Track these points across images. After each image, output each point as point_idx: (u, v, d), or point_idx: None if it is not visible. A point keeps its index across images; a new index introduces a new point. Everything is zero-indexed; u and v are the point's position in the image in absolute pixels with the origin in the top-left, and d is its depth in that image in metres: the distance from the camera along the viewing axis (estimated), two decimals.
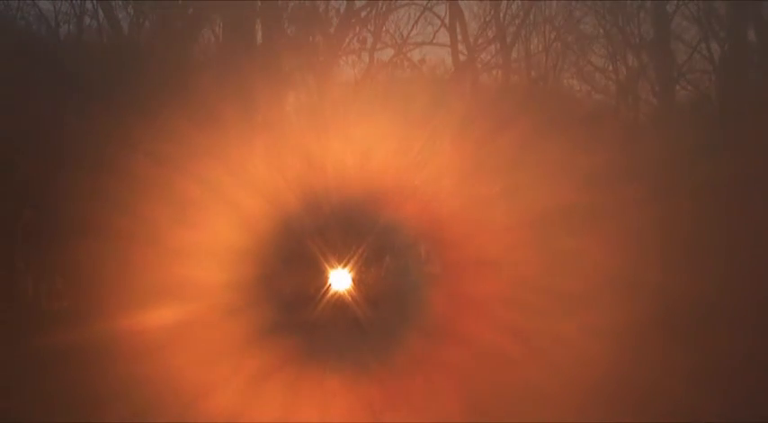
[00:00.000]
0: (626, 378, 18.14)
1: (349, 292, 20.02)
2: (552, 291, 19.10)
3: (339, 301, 19.87)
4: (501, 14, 24.53)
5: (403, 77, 24.69)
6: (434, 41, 24.39)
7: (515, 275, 19.43)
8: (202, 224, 19.05)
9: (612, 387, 17.82)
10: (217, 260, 18.16)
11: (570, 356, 18.04)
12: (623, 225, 19.96)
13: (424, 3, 24.31)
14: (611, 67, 25.52)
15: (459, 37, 23.93)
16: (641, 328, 19.02)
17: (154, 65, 21.97)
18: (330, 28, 22.80)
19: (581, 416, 18.10)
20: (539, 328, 18.51)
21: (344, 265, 20.08)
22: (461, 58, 23.93)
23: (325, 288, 19.74)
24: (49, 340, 19.25)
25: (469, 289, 19.02)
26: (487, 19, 24.86)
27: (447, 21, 24.21)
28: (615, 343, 18.21)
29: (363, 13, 23.38)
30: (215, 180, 19.13)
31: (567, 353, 18.16)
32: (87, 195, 22.76)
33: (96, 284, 20.49)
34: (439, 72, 25.11)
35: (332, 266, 19.91)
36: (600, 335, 18.13)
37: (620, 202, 20.65)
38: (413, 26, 24.29)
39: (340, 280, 20.00)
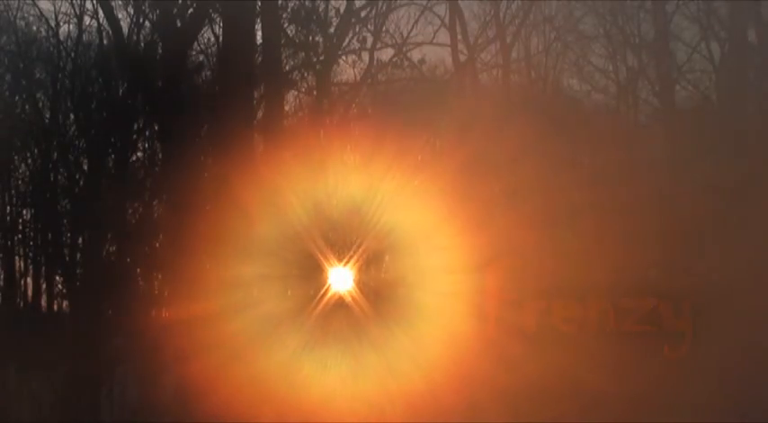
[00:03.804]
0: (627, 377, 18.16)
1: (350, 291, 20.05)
2: (549, 288, 19.11)
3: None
4: (501, 14, 24.50)
5: (403, 77, 24.68)
6: (434, 41, 24.39)
7: (514, 275, 19.45)
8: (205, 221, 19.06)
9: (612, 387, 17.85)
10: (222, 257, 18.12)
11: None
12: (623, 224, 19.96)
13: (424, 3, 24.33)
14: (611, 67, 25.52)
15: (460, 37, 23.89)
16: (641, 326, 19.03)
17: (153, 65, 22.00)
18: (330, 28, 22.79)
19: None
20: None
21: (345, 265, 20.10)
22: (461, 58, 23.89)
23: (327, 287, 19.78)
24: None
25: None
26: (487, 19, 24.88)
27: (447, 21, 24.21)
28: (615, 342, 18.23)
29: (363, 13, 23.39)
30: (217, 179, 19.12)
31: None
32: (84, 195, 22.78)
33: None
34: (439, 72, 25.11)
35: (331, 266, 19.91)
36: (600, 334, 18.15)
37: (620, 202, 20.66)
38: (413, 26, 24.31)
39: (342, 279, 20.02)
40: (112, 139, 23.61)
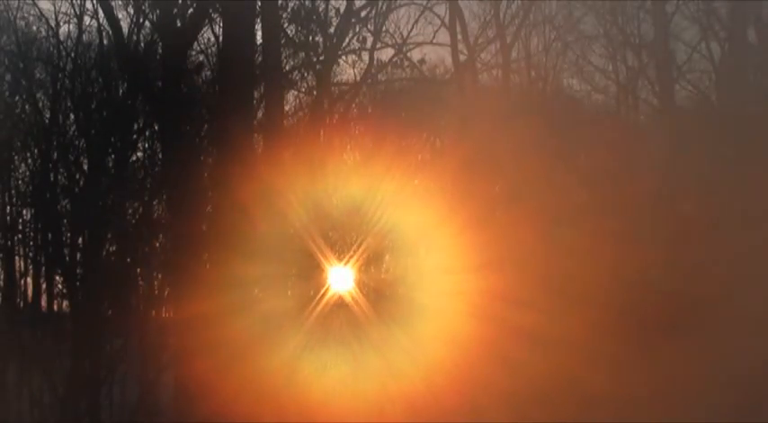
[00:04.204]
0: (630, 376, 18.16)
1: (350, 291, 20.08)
2: (545, 289, 19.11)
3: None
4: (501, 14, 24.47)
5: (403, 77, 24.66)
6: (434, 41, 24.34)
7: (515, 275, 19.46)
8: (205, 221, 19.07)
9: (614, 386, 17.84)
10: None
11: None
12: (623, 224, 19.96)
13: (424, 3, 24.29)
14: (611, 67, 25.53)
15: (459, 37, 23.86)
16: (642, 326, 19.03)
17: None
18: (330, 28, 22.77)
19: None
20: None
21: (345, 265, 20.13)
22: (461, 58, 23.87)
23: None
24: None
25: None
26: (487, 19, 24.84)
27: (447, 21, 24.18)
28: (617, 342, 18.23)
29: (363, 13, 23.35)
30: (217, 179, 19.11)
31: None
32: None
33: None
34: (439, 72, 25.10)
35: (331, 266, 19.92)
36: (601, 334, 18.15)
37: (621, 202, 20.65)
38: (413, 26, 24.26)
39: (342, 279, 20.05)
40: (112, 139, 23.60)
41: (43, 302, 24.66)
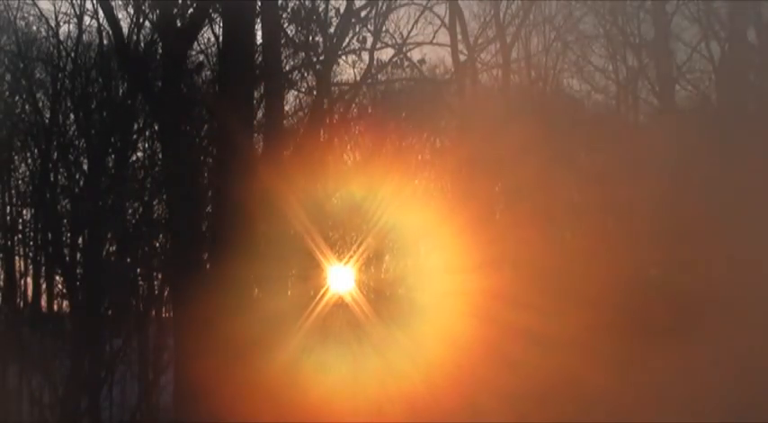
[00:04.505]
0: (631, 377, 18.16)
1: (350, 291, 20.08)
2: (546, 289, 19.12)
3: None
4: (501, 14, 24.46)
5: (403, 77, 24.66)
6: (434, 41, 24.33)
7: (515, 275, 19.46)
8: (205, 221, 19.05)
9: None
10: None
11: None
12: (623, 224, 19.97)
13: (424, 3, 24.28)
14: (611, 67, 25.54)
15: (459, 37, 23.85)
16: (643, 326, 19.03)
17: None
18: (330, 28, 22.76)
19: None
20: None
21: (345, 264, 20.12)
22: (461, 58, 23.86)
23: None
24: None
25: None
26: (487, 19, 24.84)
27: (447, 21, 24.18)
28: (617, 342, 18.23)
29: (363, 13, 23.32)
30: (217, 179, 19.10)
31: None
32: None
33: None
34: (439, 72, 25.10)
35: (331, 266, 19.92)
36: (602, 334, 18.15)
37: (621, 202, 20.65)
38: (413, 26, 24.25)
39: (342, 279, 20.05)
40: (112, 139, 23.62)
41: (43, 302, 24.69)
